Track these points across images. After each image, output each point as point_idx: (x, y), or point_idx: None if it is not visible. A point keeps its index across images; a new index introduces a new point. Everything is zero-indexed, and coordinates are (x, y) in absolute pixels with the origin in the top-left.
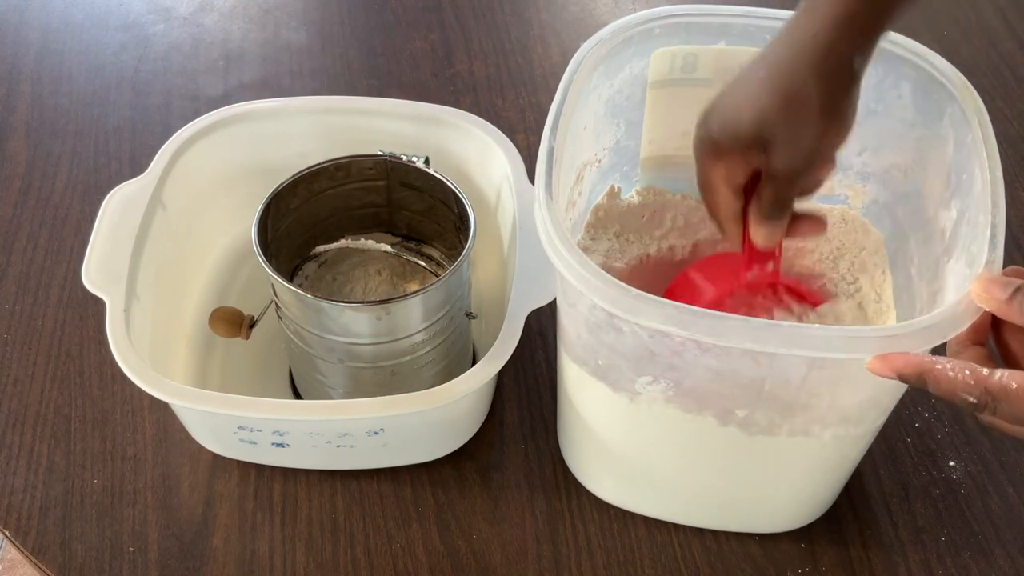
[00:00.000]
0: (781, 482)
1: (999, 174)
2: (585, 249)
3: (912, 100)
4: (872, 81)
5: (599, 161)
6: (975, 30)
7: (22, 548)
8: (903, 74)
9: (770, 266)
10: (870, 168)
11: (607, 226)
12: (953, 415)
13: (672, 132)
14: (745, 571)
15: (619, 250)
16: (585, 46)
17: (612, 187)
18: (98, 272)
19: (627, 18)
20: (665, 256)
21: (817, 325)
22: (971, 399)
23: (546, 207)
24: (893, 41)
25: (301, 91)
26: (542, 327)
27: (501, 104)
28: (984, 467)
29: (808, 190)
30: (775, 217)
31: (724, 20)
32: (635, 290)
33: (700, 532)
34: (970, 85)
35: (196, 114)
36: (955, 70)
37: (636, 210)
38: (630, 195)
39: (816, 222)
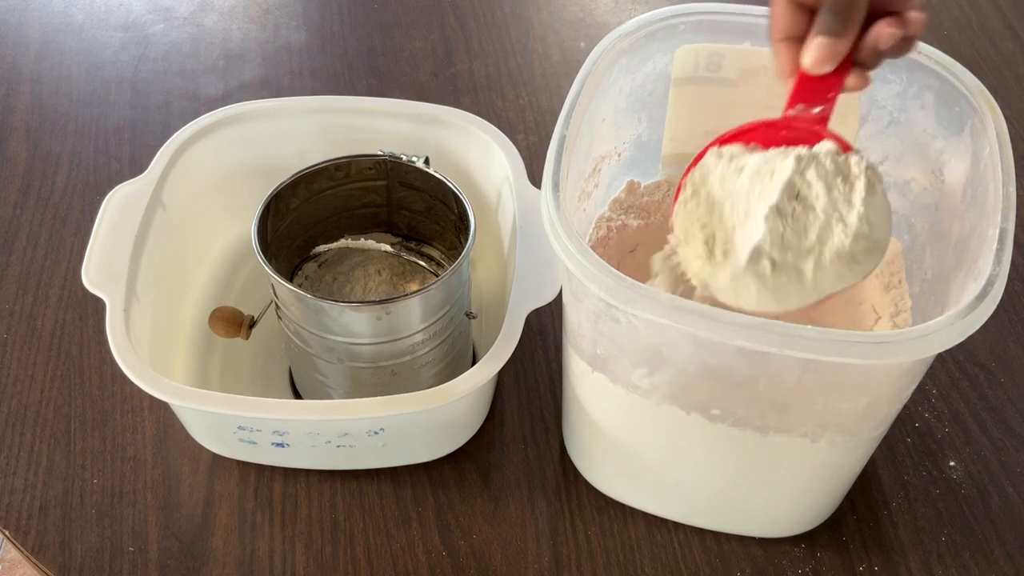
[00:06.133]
0: (777, 486)
1: (1012, 189)
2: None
3: (935, 111)
4: (896, 90)
5: (619, 155)
6: (975, 30)
7: (22, 548)
8: (927, 84)
9: (818, 110)
10: (891, 178)
11: (624, 217)
12: (953, 415)
13: (695, 130)
14: (745, 571)
15: (640, 243)
16: (607, 38)
17: (632, 181)
18: (98, 272)
19: (651, 13)
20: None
21: (809, 327)
22: None
23: (551, 194)
24: (918, 50)
25: (301, 91)
26: (542, 327)
27: (501, 104)
28: (984, 467)
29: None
30: (837, 32)
31: (750, 20)
32: (630, 279)
33: (700, 532)
34: (992, 98)
35: (196, 114)
36: (977, 82)
37: (656, 204)
38: (655, 182)
39: (861, 75)
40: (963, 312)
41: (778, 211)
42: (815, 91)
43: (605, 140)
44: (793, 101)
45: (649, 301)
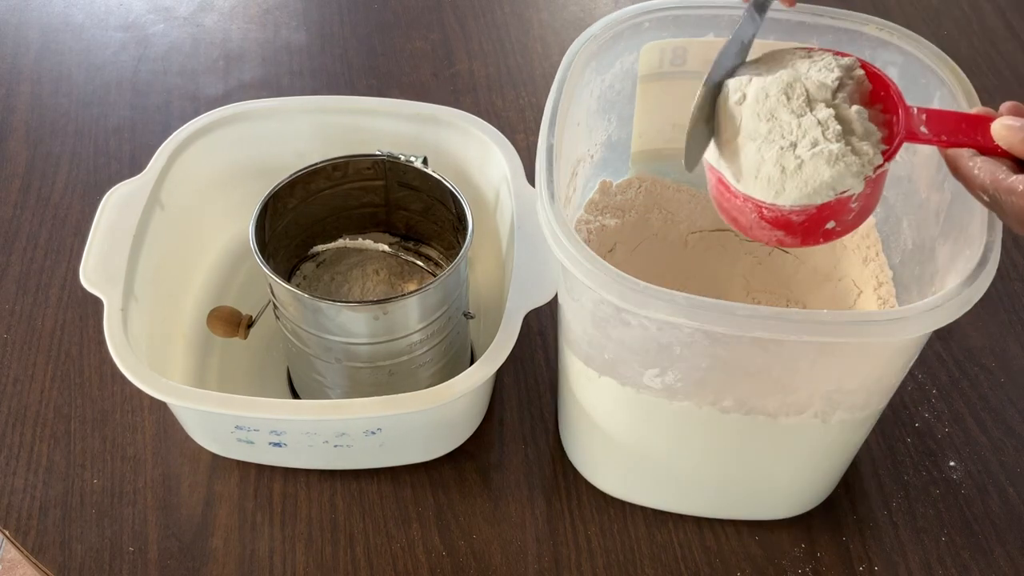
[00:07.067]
0: (788, 468)
1: None
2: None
3: (900, 85)
4: None
5: (591, 156)
6: (975, 30)
7: (22, 548)
8: (889, 60)
9: (916, 111)
10: None
11: (601, 218)
12: (953, 415)
13: (663, 125)
14: (745, 572)
15: (618, 241)
16: (577, 42)
17: (604, 182)
18: (96, 271)
19: (616, 13)
20: (658, 243)
21: (825, 311)
22: (984, 198)
23: (549, 204)
24: (880, 27)
25: (301, 91)
26: (542, 327)
27: (501, 104)
28: (984, 467)
29: None
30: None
31: (713, 12)
32: (643, 283)
33: (700, 533)
34: (957, 68)
35: (196, 114)
36: (941, 53)
37: (629, 202)
38: (626, 180)
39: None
40: (970, 279)
41: (755, 90)
42: (945, 122)
43: (580, 143)
44: (927, 112)
45: (664, 303)
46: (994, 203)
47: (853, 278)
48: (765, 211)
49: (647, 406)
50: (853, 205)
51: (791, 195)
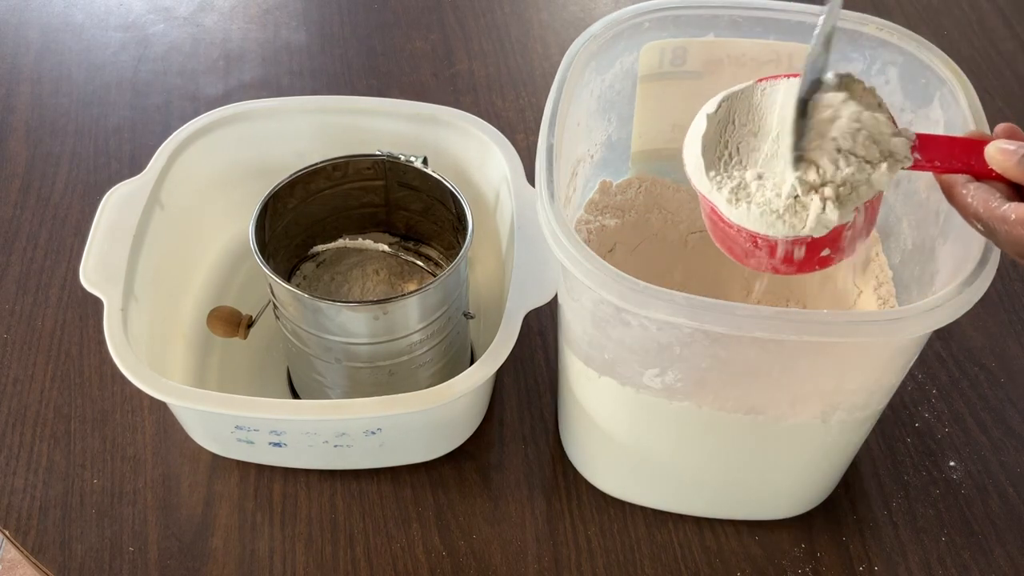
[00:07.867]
0: (788, 468)
1: None
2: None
3: (900, 85)
4: (859, 68)
5: (591, 156)
6: (975, 30)
7: (22, 548)
8: (890, 60)
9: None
10: None
11: (601, 218)
12: (953, 415)
13: (662, 125)
14: (745, 572)
15: (618, 241)
16: (577, 42)
17: (604, 182)
18: (96, 271)
19: (616, 13)
20: (658, 243)
21: (825, 311)
22: (978, 226)
23: (549, 204)
24: (880, 27)
25: (301, 91)
26: (542, 327)
27: (501, 104)
28: (984, 467)
29: None
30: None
31: (713, 12)
32: (643, 283)
33: (700, 533)
34: (958, 68)
35: (196, 114)
36: (942, 54)
37: (629, 202)
38: (626, 180)
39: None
40: (970, 279)
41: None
42: (937, 147)
43: (580, 143)
44: (919, 137)
45: (664, 303)
46: (988, 231)
47: (853, 278)
48: (759, 240)
49: (647, 406)
50: (847, 233)
51: (781, 228)
